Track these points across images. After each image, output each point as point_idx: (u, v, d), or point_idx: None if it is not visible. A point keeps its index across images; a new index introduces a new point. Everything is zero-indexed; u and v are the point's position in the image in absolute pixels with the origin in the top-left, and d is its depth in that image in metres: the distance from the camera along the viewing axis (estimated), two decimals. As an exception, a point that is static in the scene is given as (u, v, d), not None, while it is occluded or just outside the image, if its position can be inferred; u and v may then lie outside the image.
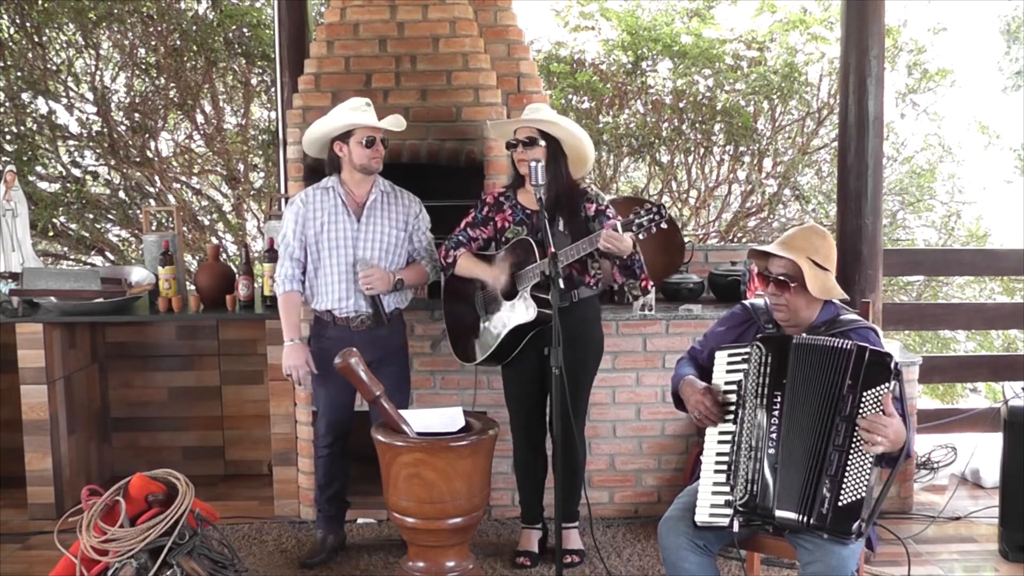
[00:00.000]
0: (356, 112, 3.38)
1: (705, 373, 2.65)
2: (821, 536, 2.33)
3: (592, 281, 3.40)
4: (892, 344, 4.09)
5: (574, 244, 3.19)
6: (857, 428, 2.30)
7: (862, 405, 2.31)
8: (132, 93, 7.31)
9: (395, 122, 3.47)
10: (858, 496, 2.30)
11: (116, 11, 6.88)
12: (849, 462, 2.30)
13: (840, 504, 2.29)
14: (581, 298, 3.36)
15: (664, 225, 3.17)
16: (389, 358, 3.50)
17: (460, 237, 3.45)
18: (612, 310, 3.90)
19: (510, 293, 3.32)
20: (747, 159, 7.50)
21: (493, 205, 3.47)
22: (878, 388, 2.31)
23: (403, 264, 3.53)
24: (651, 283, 3.36)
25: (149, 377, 4.66)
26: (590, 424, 3.92)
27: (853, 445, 2.31)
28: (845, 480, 2.30)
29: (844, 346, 2.36)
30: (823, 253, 2.58)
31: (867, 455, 2.31)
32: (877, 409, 2.30)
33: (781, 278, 2.55)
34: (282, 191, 4.73)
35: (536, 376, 3.42)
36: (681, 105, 7.32)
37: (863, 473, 2.31)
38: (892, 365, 2.32)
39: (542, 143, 3.32)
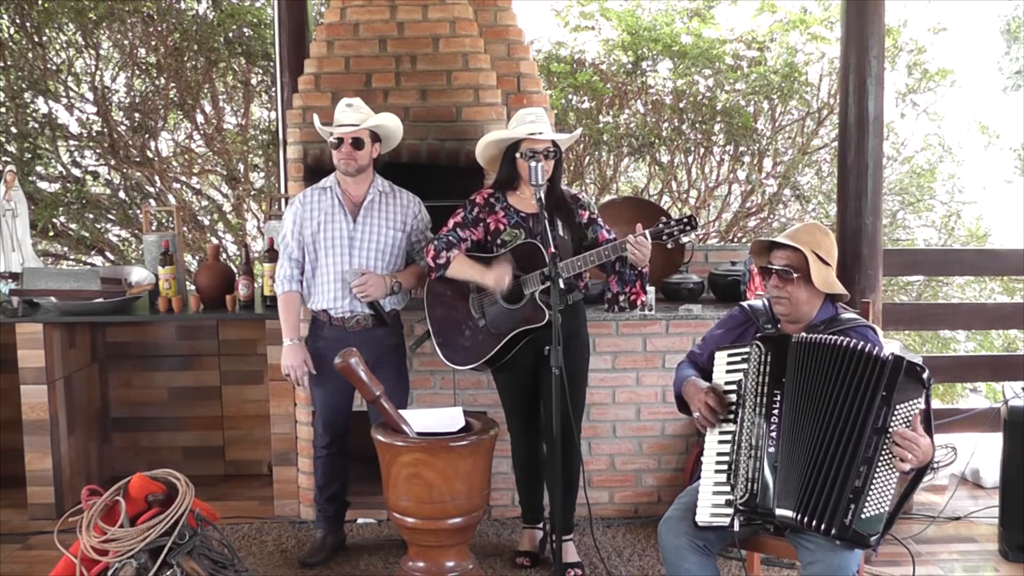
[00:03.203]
0: (336, 113, 3.40)
1: (706, 376, 2.65)
2: (835, 543, 2.31)
3: (582, 285, 3.41)
4: (892, 344, 4.09)
5: (595, 250, 3.18)
6: (887, 441, 2.27)
7: (893, 418, 2.27)
8: (132, 93, 7.31)
9: (354, 117, 3.36)
10: (881, 509, 2.28)
11: (116, 11, 6.88)
12: (876, 475, 2.27)
13: (863, 516, 2.26)
14: (575, 300, 3.36)
15: (693, 236, 3.17)
16: (386, 358, 3.50)
17: (451, 238, 3.36)
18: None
19: (514, 296, 3.30)
20: (747, 159, 7.51)
21: (484, 206, 3.41)
22: (910, 403, 2.28)
23: (402, 264, 3.53)
24: (643, 297, 3.32)
25: (149, 377, 4.66)
26: (590, 424, 3.93)
27: (881, 458, 2.27)
28: (871, 493, 2.27)
29: (878, 353, 2.31)
30: (825, 249, 2.60)
31: (894, 470, 2.28)
32: (906, 424, 2.27)
33: (784, 270, 2.56)
34: (282, 191, 4.73)
35: (531, 377, 3.41)
36: (681, 105, 7.32)
37: (888, 486, 2.28)
38: (925, 378, 2.29)
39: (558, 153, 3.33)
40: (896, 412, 2.28)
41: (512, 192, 3.40)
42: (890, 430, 2.27)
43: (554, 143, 3.30)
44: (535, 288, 3.22)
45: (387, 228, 3.47)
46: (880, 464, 2.28)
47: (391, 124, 3.47)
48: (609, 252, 3.16)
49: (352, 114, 3.37)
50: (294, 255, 3.48)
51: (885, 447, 2.27)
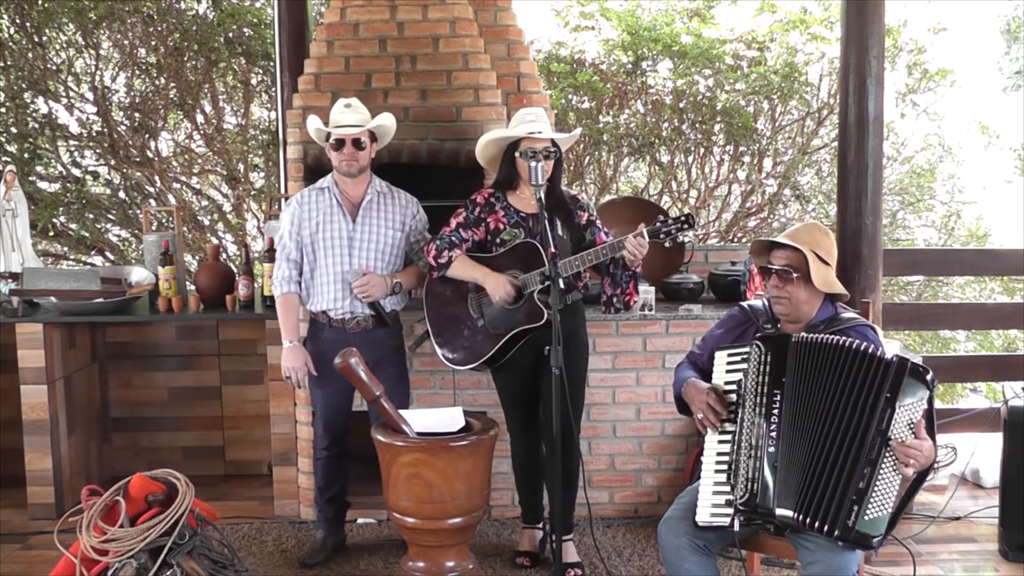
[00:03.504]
0: (334, 113, 3.38)
1: (705, 376, 2.65)
2: (837, 544, 2.31)
3: (581, 285, 3.41)
4: (892, 344, 4.09)
5: (592, 250, 3.17)
6: (890, 444, 2.26)
7: (897, 420, 2.27)
8: (132, 93, 7.31)
9: (355, 117, 3.35)
10: (884, 511, 2.28)
11: (116, 11, 6.87)
12: (879, 476, 2.27)
13: (867, 518, 2.26)
14: (574, 300, 3.36)
15: (692, 236, 3.16)
16: (387, 359, 3.49)
17: (452, 237, 3.36)
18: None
19: (513, 296, 3.30)
20: (747, 159, 7.51)
21: (484, 206, 3.41)
22: (914, 404, 2.28)
23: (400, 265, 3.52)
24: (636, 298, 3.33)
25: (149, 377, 4.66)
26: (590, 424, 3.93)
27: (885, 459, 2.27)
28: (874, 494, 2.27)
29: (881, 355, 2.30)
30: (825, 248, 2.60)
31: (897, 471, 2.28)
32: (910, 426, 2.26)
33: (784, 269, 2.56)
34: (282, 191, 4.73)
35: (530, 377, 3.41)
36: (681, 105, 7.32)
37: (891, 488, 2.28)
38: (929, 379, 2.29)
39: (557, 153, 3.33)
40: (900, 414, 2.27)
41: (512, 192, 3.40)
42: (893, 433, 2.26)
43: (554, 143, 3.30)
44: (533, 288, 3.22)
45: (387, 228, 3.46)
46: (884, 466, 2.27)
47: (389, 124, 3.47)
48: (607, 251, 3.16)
49: (352, 115, 3.35)
50: (292, 256, 3.46)
51: (889, 449, 2.27)
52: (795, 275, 2.56)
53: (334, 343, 3.38)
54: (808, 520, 2.30)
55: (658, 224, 3.13)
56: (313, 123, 3.42)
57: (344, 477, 3.64)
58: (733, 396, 2.48)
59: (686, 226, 3.11)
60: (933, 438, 2.32)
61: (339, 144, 3.35)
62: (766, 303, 2.70)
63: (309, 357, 3.45)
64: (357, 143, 3.35)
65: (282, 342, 3.47)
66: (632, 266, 3.19)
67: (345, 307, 3.43)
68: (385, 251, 3.46)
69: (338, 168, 3.40)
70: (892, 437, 2.26)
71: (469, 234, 3.40)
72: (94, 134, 7.15)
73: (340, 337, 3.41)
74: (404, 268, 3.53)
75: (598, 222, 3.41)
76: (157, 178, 7.35)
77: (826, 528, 2.28)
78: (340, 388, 3.46)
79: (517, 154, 3.29)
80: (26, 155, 6.81)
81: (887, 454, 2.27)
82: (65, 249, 7.44)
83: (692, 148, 7.51)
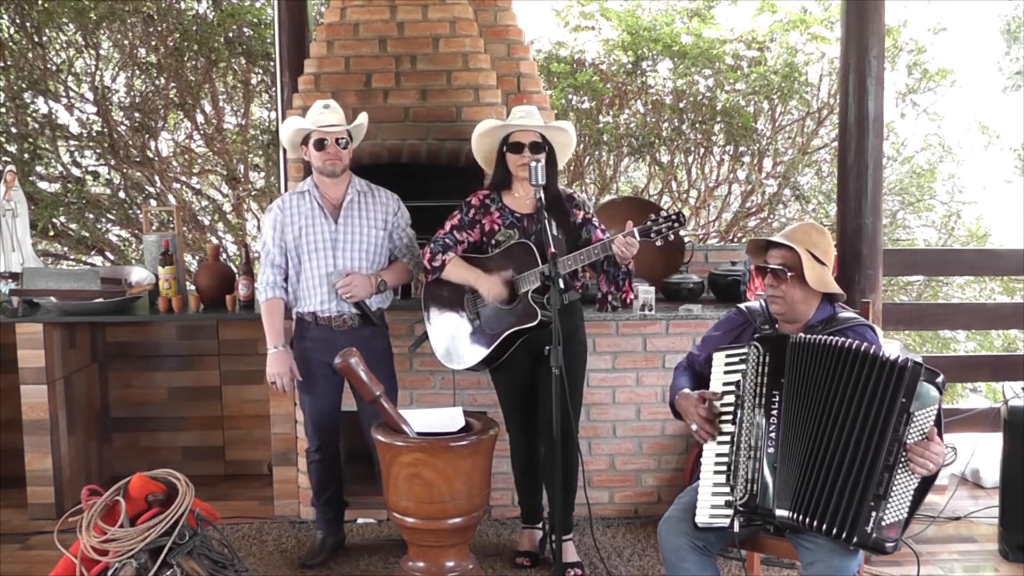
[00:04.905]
0: (313, 114, 3.38)
1: (703, 379, 2.65)
2: (850, 549, 2.30)
3: (579, 285, 3.41)
4: (892, 344, 4.09)
5: (584, 249, 3.17)
6: (905, 449, 2.26)
7: (912, 426, 2.26)
8: (132, 93, 7.32)
9: (335, 117, 3.36)
10: (900, 516, 2.27)
11: (116, 11, 6.87)
12: (895, 481, 2.26)
13: (884, 523, 2.26)
14: (571, 300, 3.35)
15: (682, 233, 3.15)
16: (373, 359, 3.46)
17: (447, 240, 3.36)
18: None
19: (508, 297, 3.30)
20: (747, 159, 7.51)
21: (479, 207, 3.40)
22: (927, 409, 2.27)
23: (385, 263, 3.51)
24: (632, 295, 3.33)
25: (149, 377, 4.66)
26: (590, 424, 3.93)
27: (901, 464, 2.27)
28: (891, 500, 2.26)
29: (895, 359, 2.29)
30: (821, 248, 2.60)
31: (912, 476, 2.28)
32: (922, 432, 2.26)
33: (779, 268, 2.56)
34: (282, 191, 4.73)
35: (528, 378, 3.40)
36: (681, 105, 7.32)
37: (907, 493, 2.28)
38: (940, 383, 2.29)
39: (545, 148, 3.32)
40: (915, 419, 2.26)
41: (507, 192, 3.40)
42: (909, 438, 2.26)
43: (543, 137, 3.29)
44: (528, 288, 3.22)
45: (369, 228, 3.45)
46: (900, 470, 2.26)
47: (365, 123, 3.49)
48: (598, 251, 3.16)
49: (332, 115, 3.37)
50: (276, 261, 3.44)
51: (904, 454, 2.26)
52: (790, 274, 2.55)
53: (321, 342, 3.39)
54: (810, 521, 2.30)
55: (648, 223, 3.12)
56: (293, 124, 3.40)
57: (339, 479, 3.63)
58: (731, 397, 2.48)
59: (676, 224, 3.10)
60: (940, 436, 2.32)
61: (321, 144, 3.35)
62: (763, 304, 2.70)
63: (294, 362, 3.43)
64: (340, 142, 3.36)
65: (268, 348, 3.44)
66: (623, 264, 3.19)
67: (333, 308, 3.42)
68: (369, 250, 3.45)
69: (321, 169, 3.39)
70: (908, 442, 2.26)
71: (464, 236, 3.39)
72: (94, 134, 7.15)
73: (326, 336, 3.41)
74: (389, 266, 3.52)
75: (594, 220, 3.40)
76: (157, 178, 7.36)
77: (844, 535, 2.26)
78: (329, 388, 3.47)
79: (505, 148, 3.29)
80: (26, 155, 6.81)
81: (903, 459, 2.26)
82: (65, 249, 7.44)
83: (692, 148, 7.51)
